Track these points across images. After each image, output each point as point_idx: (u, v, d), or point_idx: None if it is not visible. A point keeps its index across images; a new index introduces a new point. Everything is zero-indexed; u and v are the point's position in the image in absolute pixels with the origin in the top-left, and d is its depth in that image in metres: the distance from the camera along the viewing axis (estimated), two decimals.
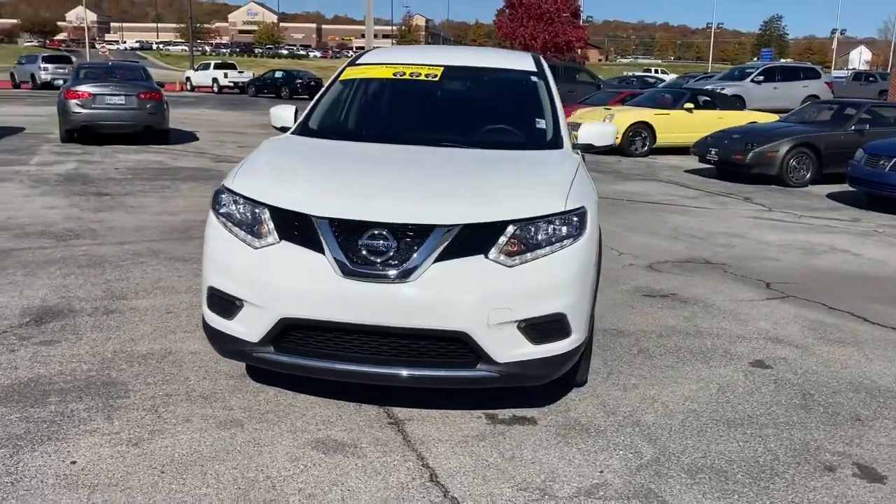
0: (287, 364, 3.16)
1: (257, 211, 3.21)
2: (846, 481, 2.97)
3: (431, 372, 3.09)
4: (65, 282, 5.13)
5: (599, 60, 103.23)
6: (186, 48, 67.72)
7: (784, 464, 3.08)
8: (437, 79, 4.45)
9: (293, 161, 3.69)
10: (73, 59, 36.22)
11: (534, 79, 4.51)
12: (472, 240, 3.06)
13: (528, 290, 3.07)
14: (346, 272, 2.99)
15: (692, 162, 13.12)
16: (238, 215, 3.26)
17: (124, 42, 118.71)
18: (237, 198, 3.31)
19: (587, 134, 4.21)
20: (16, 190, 8.76)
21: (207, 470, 2.83)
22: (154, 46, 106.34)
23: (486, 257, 3.04)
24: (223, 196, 3.36)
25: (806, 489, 2.90)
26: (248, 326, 3.16)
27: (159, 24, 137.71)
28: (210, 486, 2.72)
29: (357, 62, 4.77)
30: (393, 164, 3.69)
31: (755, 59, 77.42)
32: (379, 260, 3.00)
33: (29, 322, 4.33)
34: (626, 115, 14.95)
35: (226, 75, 38.70)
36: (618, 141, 14.53)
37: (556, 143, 4.03)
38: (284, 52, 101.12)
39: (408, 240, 3.02)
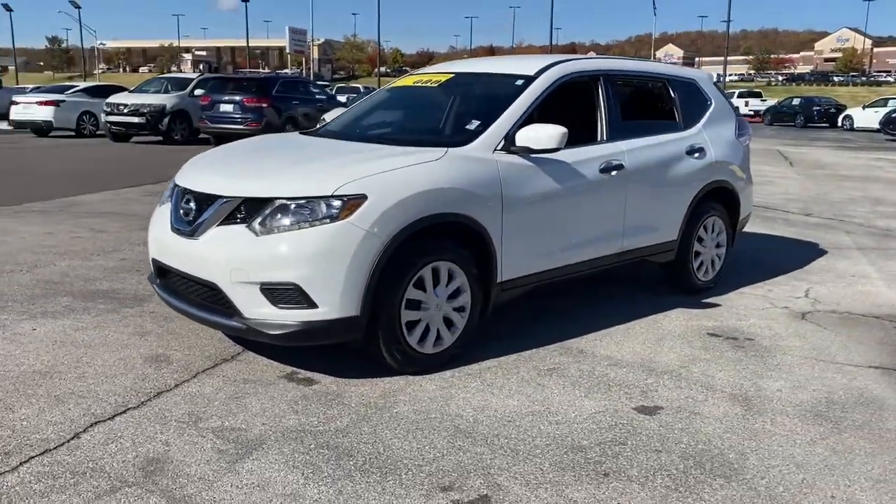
0: (160, 296, 4.19)
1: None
2: (425, 499, 2.72)
3: (211, 316, 3.76)
4: None
5: None
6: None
7: (410, 471, 2.91)
8: (436, 86, 4.82)
9: (230, 148, 4.63)
10: None
11: (518, 83, 4.49)
12: (248, 210, 3.64)
13: (267, 258, 3.51)
14: (171, 227, 3.92)
15: None
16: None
17: None
18: None
19: (525, 137, 4.11)
20: None
21: (68, 351, 4.04)
22: (728, 78, 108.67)
23: (247, 226, 3.61)
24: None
25: (380, 490, 2.77)
26: (152, 265, 4.30)
27: (730, 58, 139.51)
28: (50, 357, 3.95)
29: (413, 73, 5.38)
30: (277, 152, 4.34)
31: None
32: (187, 220, 3.85)
33: None
34: None
35: (746, 104, 38.25)
36: None
37: (465, 142, 4.07)
38: (865, 79, 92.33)
39: (203, 206, 3.78)
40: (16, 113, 20.29)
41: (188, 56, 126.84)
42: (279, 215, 3.56)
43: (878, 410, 3.62)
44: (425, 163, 3.81)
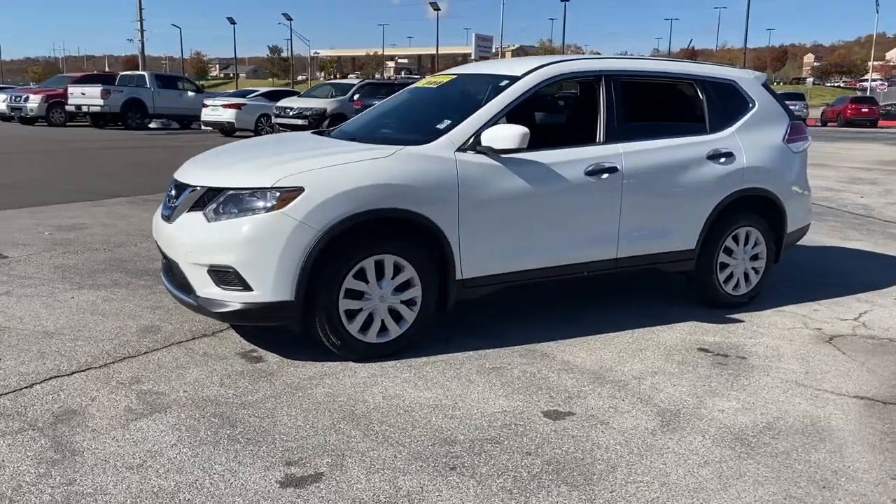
0: (161, 275, 4.68)
1: None
2: (258, 472, 2.90)
3: (179, 293, 4.16)
4: None
5: None
6: None
7: (272, 444, 3.10)
8: (437, 87, 4.95)
9: (232, 145, 5.00)
10: None
11: (503, 83, 4.51)
12: (208, 199, 4.01)
13: (211, 242, 3.85)
14: (161, 213, 4.39)
15: None
16: None
17: None
18: None
19: (489, 137, 4.15)
20: None
21: (83, 318, 4.63)
22: None
23: (203, 213, 3.97)
24: None
25: (231, 457, 3.00)
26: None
27: None
28: (65, 321, 4.55)
29: (431, 75, 5.52)
30: (259, 149, 4.64)
31: None
32: (169, 206, 4.29)
33: None
34: None
35: None
36: None
37: (429, 140, 4.18)
38: None
39: (180, 193, 4.20)
40: (205, 115, 22.65)
41: (391, 63, 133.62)
42: (230, 204, 3.89)
43: (816, 441, 3.29)
44: (369, 160, 3.97)
